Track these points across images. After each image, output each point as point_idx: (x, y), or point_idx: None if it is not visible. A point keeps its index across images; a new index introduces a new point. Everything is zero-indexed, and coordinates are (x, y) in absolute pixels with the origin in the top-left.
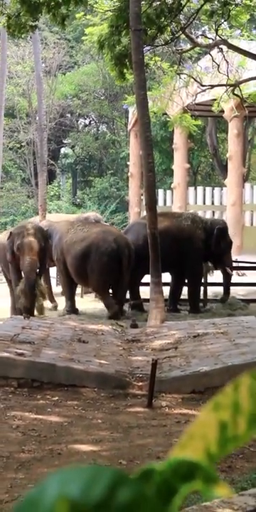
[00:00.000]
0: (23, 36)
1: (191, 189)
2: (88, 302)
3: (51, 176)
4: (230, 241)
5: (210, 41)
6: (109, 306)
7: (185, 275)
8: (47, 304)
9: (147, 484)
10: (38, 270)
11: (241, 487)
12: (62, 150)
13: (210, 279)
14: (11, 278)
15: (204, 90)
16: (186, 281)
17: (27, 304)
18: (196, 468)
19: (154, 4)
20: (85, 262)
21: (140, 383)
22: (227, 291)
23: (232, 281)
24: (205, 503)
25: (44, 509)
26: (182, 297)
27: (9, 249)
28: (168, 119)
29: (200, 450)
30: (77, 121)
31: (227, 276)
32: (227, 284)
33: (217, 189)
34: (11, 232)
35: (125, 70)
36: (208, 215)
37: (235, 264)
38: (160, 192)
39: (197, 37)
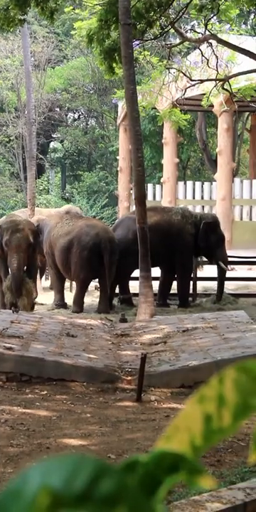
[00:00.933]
0: (11, 30)
1: (181, 184)
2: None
3: (40, 170)
4: (222, 235)
5: (200, 36)
6: (75, 302)
7: (176, 270)
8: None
9: (130, 475)
10: (25, 268)
11: (230, 481)
12: (51, 144)
13: (200, 273)
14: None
15: (193, 85)
16: (176, 275)
17: (13, 299)
18: (181, 460)
19: None
20: (68, 254)
21: (129, 377)
22: (220, 289)
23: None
24: (193, 497)
25: (26, 500)
26: (171, 292)
27: None
28: (157, 114)
29: (185, 442)
30: (66, 115)
31: (221, 272)
32: (220, 280)
33: (206, 184)
34: (0, 226)
35: (114, 64)
36: (198, 210)
37: None
38: (149, 186)
39: (186, 31)
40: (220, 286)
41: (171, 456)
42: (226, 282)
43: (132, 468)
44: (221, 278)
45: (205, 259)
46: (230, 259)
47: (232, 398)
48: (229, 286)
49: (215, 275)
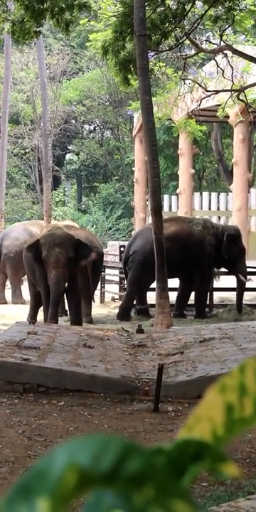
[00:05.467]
0: (27, 42)
1: (197, 194)
2: (93, 308)
3: (56, 182)
4: (243, 247)
5: (215, 46)
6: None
7: (194, 280)
8: None
9: (157, 457)
10: (66, 284)
11: (248, 491)
12: (67, 156)
13: (216, 284)
14: (40, 289)
15: (209, 96)
16: (194, 286)
17: (52, 319)
18: (204, 448)
19: (158, 10)
20: None
21: (146, 388)
22: (239, 301)
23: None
24: (212, 507)
25: (52, 478)
26: (188, 302)
27: (36, 258)
28: (172, 125)
29: (207, 432)
30: (82, 127)
31: (240, 284)
32: (239, 293)
33: (222, 194)
34: (38, 240)
35: (129, 76)
36: (214, 221)
37: None
38: (165, 197)
39: (201, 42)
40: (240, 299)
41: (195, 444)
42: None
43: (156, 456)
44: (240, 290)
45: (222, 269)
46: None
47: (254, 388)
48: (245, 297)
49: (232, 286)
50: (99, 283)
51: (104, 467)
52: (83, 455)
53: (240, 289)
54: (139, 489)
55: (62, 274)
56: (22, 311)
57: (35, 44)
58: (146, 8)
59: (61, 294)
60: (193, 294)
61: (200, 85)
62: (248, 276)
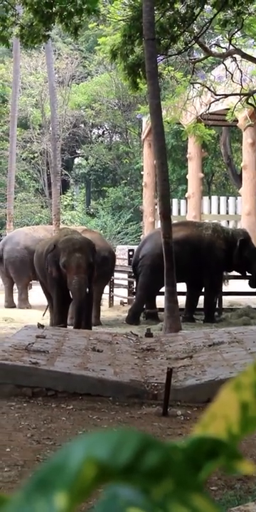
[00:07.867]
0: (36, 46)
1: (206, 198)
2: (101, 311)
3: (65, 186)
4: (255, 248)
5: (224, 50)
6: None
7: (204, 284)
8: None
9: (175, 452)
10: (87, 289)
11: None
12: (76, 160)
13: (225, 288)
14: (52, 293)
15: (218, 100)
16: (204, 290)
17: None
18: (220, 446)
19: (167, 14)
20: None
21: (155, 392)
22: None
23: (246, 290)
24: None
25: (70, 472)
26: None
27: (54, 264)
28: (181, 129)
29: (222, 430)
30: (91, 131)
31: None
32: None
33: (231, 198)
34: (54, 245)
35: (138, 80)
36: (223, 225)
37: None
38: (174, 201)
39: (210, 46)
40: None
41: (210, 441)
42: (250, 297)
43: (173, 451)
44: None
45: (231, 273)
46: None
47: None
48: (255, 301)
49: (241, 290)
50: (108, 287)
51: (123, 460)
52: (101, 448)
53: None
54: (158, 483)
55: (84, 280)
56: (31, 315)
57: (43, 48)
58: (155, 12)
59: (84, 301)
60: (201, 297)
61: (209, 89)
62: None
